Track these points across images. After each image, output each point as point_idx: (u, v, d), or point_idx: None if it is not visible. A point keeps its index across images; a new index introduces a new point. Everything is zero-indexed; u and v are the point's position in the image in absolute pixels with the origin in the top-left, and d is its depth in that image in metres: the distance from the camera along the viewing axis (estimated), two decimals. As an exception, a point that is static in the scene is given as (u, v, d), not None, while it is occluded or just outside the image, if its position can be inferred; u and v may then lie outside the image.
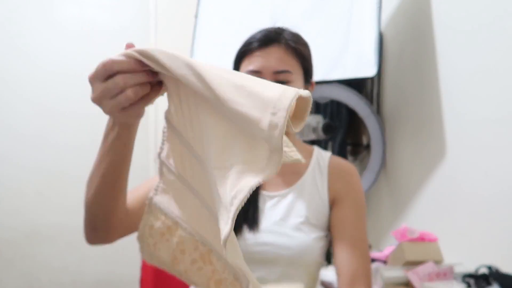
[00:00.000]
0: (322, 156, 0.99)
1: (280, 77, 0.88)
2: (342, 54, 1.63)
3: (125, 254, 2.43)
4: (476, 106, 1.37)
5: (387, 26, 1.93)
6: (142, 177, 2.07)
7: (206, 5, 2.08)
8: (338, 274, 0.89)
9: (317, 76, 1.66)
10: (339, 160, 0.99)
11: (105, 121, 0.61)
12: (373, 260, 1.36)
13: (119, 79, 0.49)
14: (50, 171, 2.48)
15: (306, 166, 0.97)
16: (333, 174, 0.96)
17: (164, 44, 2.63)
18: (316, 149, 1.01)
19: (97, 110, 0.54)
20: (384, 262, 1.37)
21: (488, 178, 1.31)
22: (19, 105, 2.48)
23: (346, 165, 0.98)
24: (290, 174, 0.97)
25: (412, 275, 1.19)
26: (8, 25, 2.48)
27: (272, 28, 0.94)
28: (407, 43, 1.79)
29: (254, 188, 0.42)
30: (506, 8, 1.26)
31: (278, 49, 0.90)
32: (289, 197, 0.94)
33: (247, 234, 0.89)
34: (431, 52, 1.58)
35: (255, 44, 0.90)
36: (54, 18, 2.53)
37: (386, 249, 1.42)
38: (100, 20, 2.59)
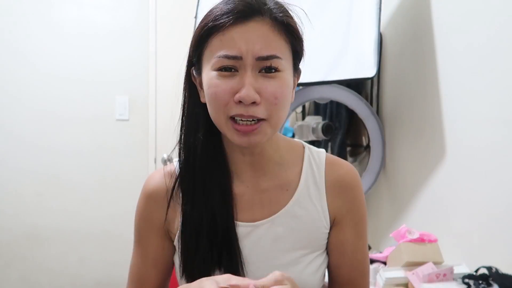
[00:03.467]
0: (316, 161, 0.79)
1: (265, 64, 0.66)
2: (342, 55, 1.63)
3: (125, 256, 2.43)
4: (476, 107, 1.37)
5: (386, 27, 1.92)
6: (142, 177, 2.06)
7: (205, 6, 2.08)
8: None
9: (316, 77, 1.67)
10: (337, 165, 0.80)
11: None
12: (372, 261, 1.36)
13: None
14: (49, 174, 2.48)
15: (297, 176, 0.77)
16: (332, 188, 0.78)
17: (164, 45, 2.63)
18: (307, 150, 0.80)
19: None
20: (384, 263, 1.36)
21: (488, 178, 1.31)
22: (18, 108, 2.48)
23: (347, 174, 0.79)
24: (274, 190, 0.77)
25: (412, 276, 1.19)
26: (6, 26, 2.48)
27: None
28: (407, 44, 1.79)
29: None
30: (506, 8, 1.25)
31: (262, 24, 0.66)
32: (277, 226, 0.75)
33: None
34: (431, 53, 1.58)
35: (229, 17, 0.65)
36: (52, 19, 2.53)
37: (386, 250, 1.41)
38: (100, 21, 2.59)
